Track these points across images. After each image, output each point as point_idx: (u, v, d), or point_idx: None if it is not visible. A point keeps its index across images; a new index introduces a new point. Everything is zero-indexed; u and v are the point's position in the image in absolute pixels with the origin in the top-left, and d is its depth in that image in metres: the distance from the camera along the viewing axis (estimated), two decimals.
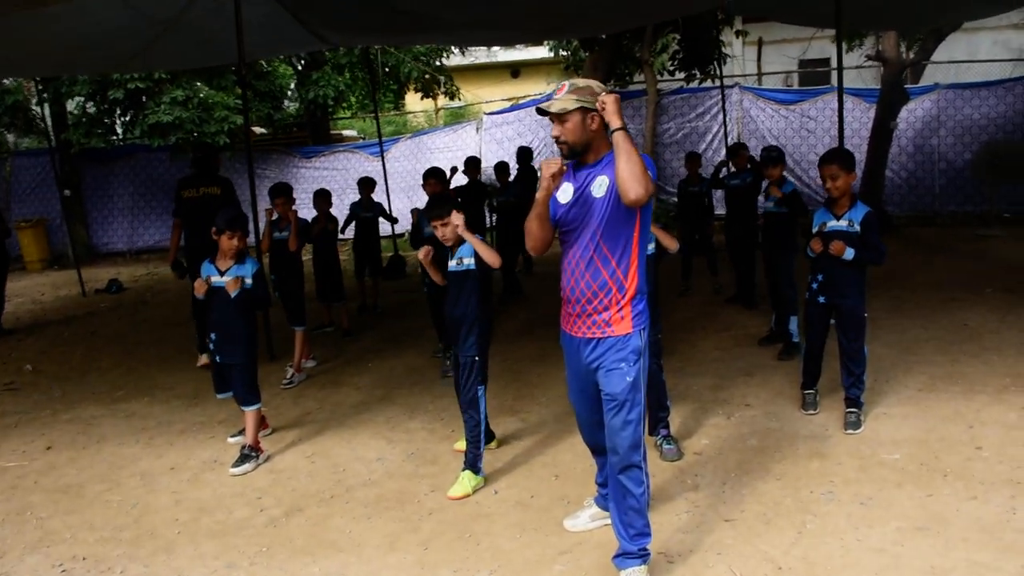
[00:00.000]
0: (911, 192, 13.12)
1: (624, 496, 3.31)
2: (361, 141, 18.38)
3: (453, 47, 17.05)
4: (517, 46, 27.23)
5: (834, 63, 19.66)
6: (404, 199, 14.57)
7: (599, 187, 3.15)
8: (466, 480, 4.31)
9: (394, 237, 12.29)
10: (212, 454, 5.04)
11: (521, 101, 16.61)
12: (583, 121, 3.11)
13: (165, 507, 4.32)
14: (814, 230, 4.89)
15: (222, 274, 4.75)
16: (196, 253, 6.43)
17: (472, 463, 4.37)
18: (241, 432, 5.19)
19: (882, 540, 3.52)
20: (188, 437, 5.38)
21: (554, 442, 4.93)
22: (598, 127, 3.14)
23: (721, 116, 13.93)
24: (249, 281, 4.75)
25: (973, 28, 15.72)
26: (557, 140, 3.19)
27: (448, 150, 15.36)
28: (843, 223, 4.76)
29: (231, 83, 13.61)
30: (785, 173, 6.60)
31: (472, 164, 9.55)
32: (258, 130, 17.11)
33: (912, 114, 12.95)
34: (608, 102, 3.04)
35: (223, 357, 4.83)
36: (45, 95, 12.50)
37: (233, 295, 4.69)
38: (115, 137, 13.93)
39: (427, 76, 16.24)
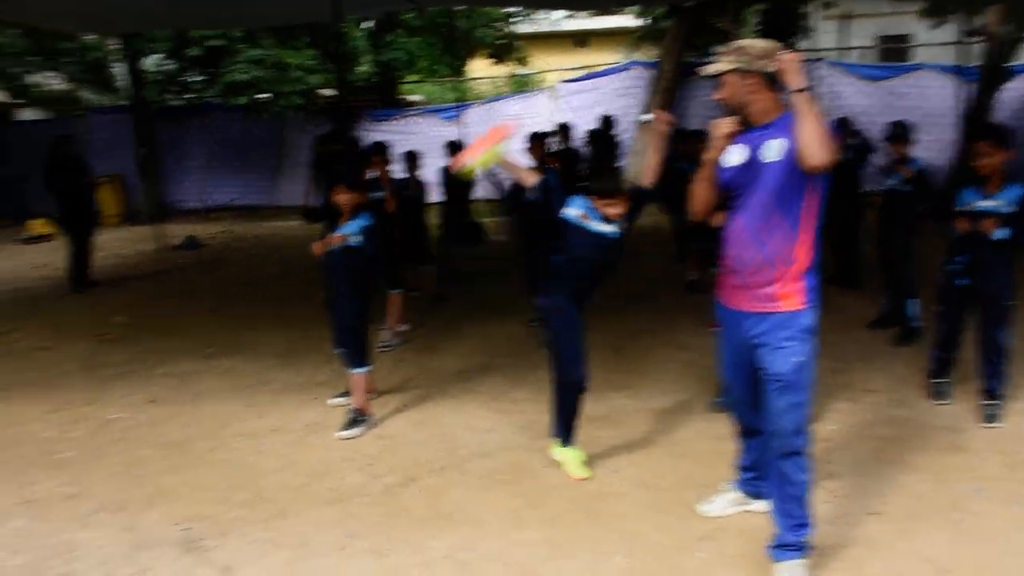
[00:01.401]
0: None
1: (784, 483, 3.12)
2: (428, 106, 18.22)
3: (526, 11, 16.69)
4: (584, 14, 26.83)
5: (918, 39, 19.09)
6: None
7: (771, 150, 2.96)
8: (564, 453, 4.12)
9: (469, 202, 12.08)
10: (315, 416, 4.93)
11: (597, 69, 16.19)
12: (740, 83, 2.95)
13: (274, 470, 4.22)
14: (958, 208, 4.57)
15: (335, 231, 4.63)
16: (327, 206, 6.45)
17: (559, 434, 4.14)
18: (343, 394, 5.08)
19: None
20: (288, 397, 5.28)
21: (670, 420, 4.72)
22: (758, 89, 2.95)
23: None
24: (356, 238, 4.60)
25: None
26: (719, 103, 3.05)
27: (521, 117, 15.07)
28: (995, 202, 4.43)
29: (304, 43, 13.51)
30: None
31: (563, 130, 9.27)
32: (328, 92, 17.05)
33: (1009, 93, 12.29)
34: (787, 61, 2.82)
35: (334, 316, 4.71)
36: (125, 52, 12.50)
37: (335, 248, 4.57)
38: (190, 95, 13.94)
39: (502, 42, 15.94)
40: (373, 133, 15.54)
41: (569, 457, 4.10)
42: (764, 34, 12.88)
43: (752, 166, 3.00)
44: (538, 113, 14.86)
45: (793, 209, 2.97)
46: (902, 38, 19.56)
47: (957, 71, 12.69)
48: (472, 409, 4.99)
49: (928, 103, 12.68)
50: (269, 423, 4.85)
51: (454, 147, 9.02)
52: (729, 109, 3.03)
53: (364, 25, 15.79)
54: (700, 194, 3.22)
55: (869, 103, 13.06)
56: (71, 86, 16.11)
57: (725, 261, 3.21)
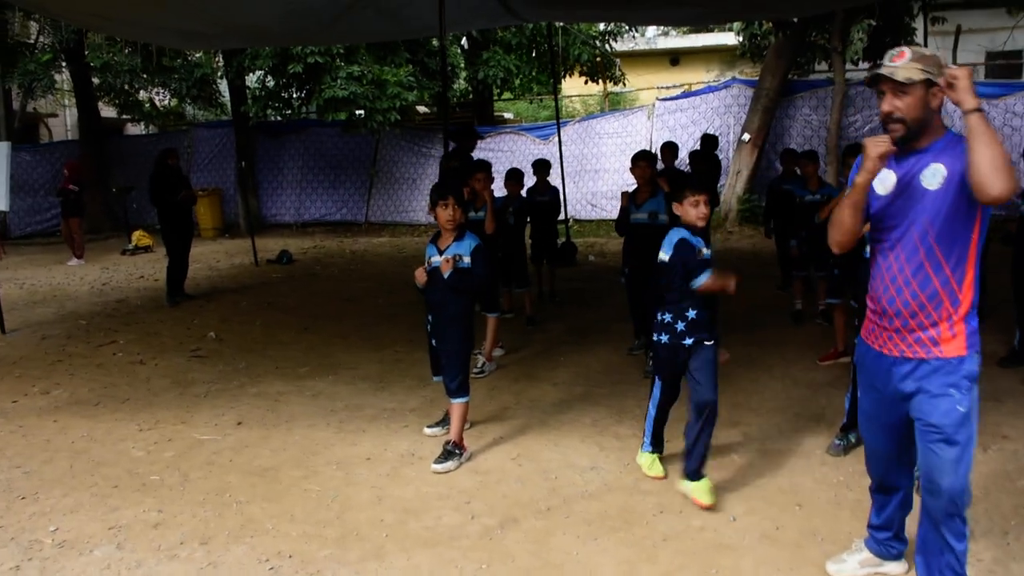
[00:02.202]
0: None
1: (941, 551, 2.75)
2: (522, 123, 18.05)
3: (627, 28, 16.34)
4: (677, 32, 26.35)
5: None
6: (572, 184, 14.06)
7: (932, 177, 2.59)
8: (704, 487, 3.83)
9: (566, 222, 11.80)
10: (408, 446, 4.67)
11: (694, 88, 15.75)
12: (926, 96, 2.56)
13: (367, 504, 3.95)
14: None
15: (441, 253, 4.34)
16: None
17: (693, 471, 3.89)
18: (439, 424, 4.82)
19: None
20: (380, 424, 5.04)
21: (786, 463, 4.29)
22: (939, 105, 2.59)
23: None
24: (467, 259, 4.31)
25: None
26: (888, 117, 2.63)
27: (618, 135, 14.76)
28: None
29: (403, 60, 13.50)
30: None
31: (669, 149, 8.87)
32: (422, 109, 17.08)
33: None
34: (960, 77, 2.44)
35: (438, 341, 4.44)
36: (228, 69, 12.73)
37: (446, 276, 4.27)
38: (289, 111, 14.12)
39: (599, 59, 15.63)
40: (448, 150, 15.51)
41: (700, 487, 3.82)
42: (869, 50, 12.23)
43: (910, 194, 2.64)
44: (636, 131, 14.52)
45: (958, 244, 2.62)
46: (1016, 54, 18.45)
47: None
48: (573, 444, 4.64)
49: None
50: (361, 451, 4.61)
51: (542, 165, 8.74)
52: (906, 126, 2.60)
53: (461, 42, 15.76)
54: (846, 222, 2.78)
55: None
56: (177, 102, 16.58)
57: (873, 301, 2.85)
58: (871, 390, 2.93)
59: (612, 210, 14.52)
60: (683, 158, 12.73)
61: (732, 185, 12.90)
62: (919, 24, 12.20)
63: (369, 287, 9.88)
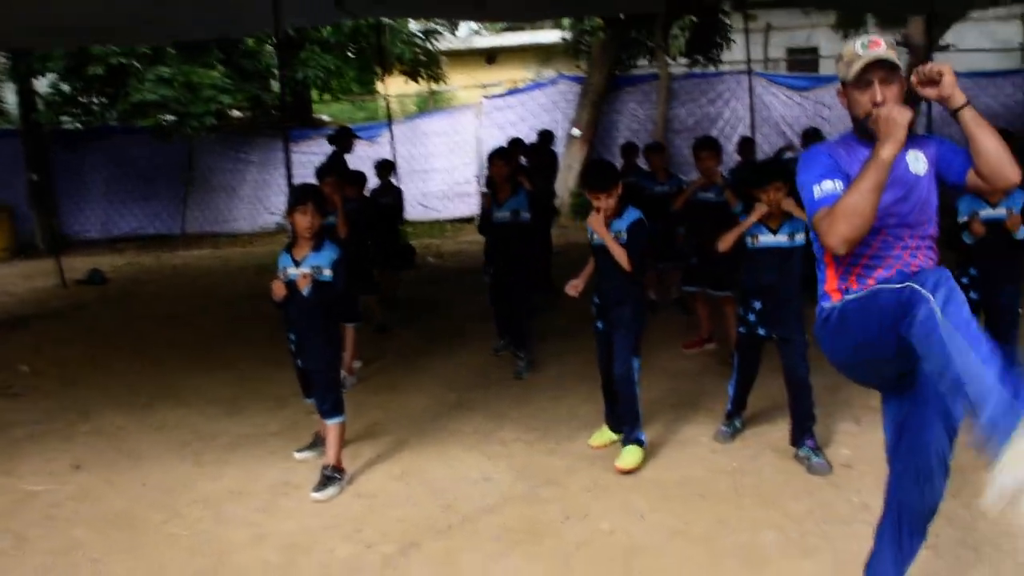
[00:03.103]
0: None
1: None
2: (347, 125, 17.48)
3: (448, 24, 16.22)
4: (492, 31, 26.62)
5: (824, 52, 19.62)
6: (402, 185, 13.75)
7: (916, 163, 2.54)
8: (635, 452, 4.10)
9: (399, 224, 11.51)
10: (279, 474, 4.28)
11: (520, 85, 15.90)
12: (900, 84, 2.47)
13: (246, 544, 3.57)
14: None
15: (298, 264, 3.99)
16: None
17: (633, 436, 4.16)
18: (310, 447, 4.47)
19: None
20: (242, 453, 4.61)
21: (675, 455, 4.33)
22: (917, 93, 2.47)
23: (732, 102, 13.50)
24: (328, 272, 3.99)
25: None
26: (875, 105, 2.43)
27: (446, 134, 14.63)
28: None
29: (215, 61, 12.66)
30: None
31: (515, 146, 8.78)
32: (236, 113, 16.15)
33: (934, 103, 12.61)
34: (947, 73, 2.34)
35: (304, 361, 4.10)
36: (15, 71, 11.40)
37: (305, 292, 3.93)
38: (89, 118, 12.87)
39: (422, 58, 15.43)
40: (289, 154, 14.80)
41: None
42: (692, 47, 12.85)
43: (902, 182, 2.51)
44: (464, 130, 14.45)
45: (932, 229, 2.59)
46: (812, 50, 20.11)
47: None
48: (458, 455, 4.44)
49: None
50: (226, 486, 4.18)
51: (385, 166, 8.50)
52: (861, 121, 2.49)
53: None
54: (866, 210, 2.34)
55: (796, 114, 13.19)
56: None
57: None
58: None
59: (443, 210, 14.42)
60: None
61: (564, 180, 13.11)
62: (735, 22, 12.99)
63: (199, 303, 9.17)
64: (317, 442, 4.43)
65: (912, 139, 2.49)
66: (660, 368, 5.74)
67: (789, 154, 8.13)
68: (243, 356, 6.57)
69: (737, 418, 4.49)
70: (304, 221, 3.94)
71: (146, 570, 3.39)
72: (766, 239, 4.21)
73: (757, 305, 4.23)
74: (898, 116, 2.32)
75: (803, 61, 19.84)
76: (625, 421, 4.19)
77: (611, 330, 4.21)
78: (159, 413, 5.35)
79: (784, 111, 13.29)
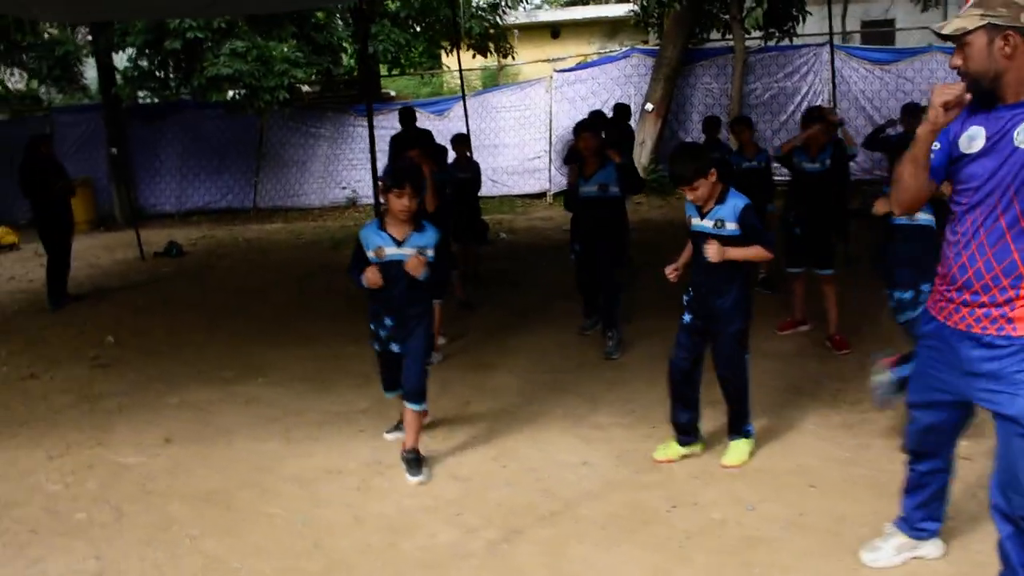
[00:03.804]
0: None
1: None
2: (414, 100, 17.39)
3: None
4: (555, 5, 26.25)
5: (901, 24, 18.80)
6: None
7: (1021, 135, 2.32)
8: (741, 446, 3.83)
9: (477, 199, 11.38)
10: (371, 453, 4.18)
11: (591, 58, 15.56)
12: (990, 44, 2.29)
13: (345, 526, 3.47)
14: None
15: (399, 245, 3.80)
16: None
17: (741, 428, 3.86)
18: (400, 427, 4.35)
19: None
20: (332, 431, 4.52)
21: (782, 442, 4.10)
22: (1018, 52, 2.28)
23: (809, 76, 12.97)
24: (431, 253, 3.83)
25: None
26: (959, 72, 2.38)
27: (516, 109, 14.35)
28: None
29: (288, 34, 12.63)
30: None
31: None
32: (305, 88, 16.18)
33: None
34: None
35: (403, 346, 3.87)
36: (96, 46, 11.53)
37: (422, 276, 3.75)
38: (167, 92, 12.98)
39: (491, 31, 15.21)
40: (358, 128, 14.76)
41: None
42: (768, 19, 12.34)
43: (999, 152, 2.37)
44: (535, 104, 14.19)
45: None
46: (889, 23, 19.32)
47: None
48: (553, 438, 4.28)
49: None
50: (319, 463, 4.10)
51: (462, 140, 8.35)
52: (972, 79, 2.37)
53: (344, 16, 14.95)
54: (905, 179, 2.53)
55: (877, 88, 12.59)
56: (37, 83, 15.02)
57: (943, 267, 2.60)
58: (933, 361, 2.70)
59: (513, 186, 14.20)
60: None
61: (637, 156, 12.78)
62: None
63: (275, 277, 9.17)
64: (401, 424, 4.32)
65: None
66: (754, 348, 5.48)
67: (890, 130, 7.68)
68: (323, 332, 6.50)
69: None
70: (400, 203, 3.70)
71: (244, 550, 3.31)
72: (922, 216, 3.95)
73: (925, 287, 3.90)
74: (936, 96, 2.35)
75: (880, 34, 19.07)
76: (734, 415, 3.88)
77: (708, 325, 3.78)
78: (246, 388, 5.31)
79: (864, 85, 12.68)
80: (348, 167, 14.76)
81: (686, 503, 3.52)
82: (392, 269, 3.75)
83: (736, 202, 3.67)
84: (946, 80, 10.47)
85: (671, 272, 3.82)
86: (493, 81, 20.28)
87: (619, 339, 5.60)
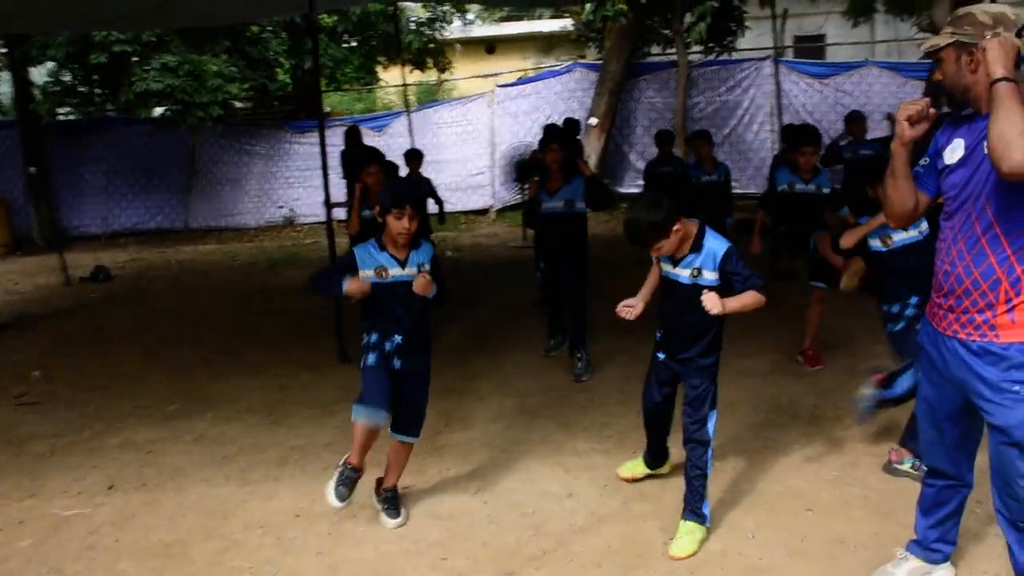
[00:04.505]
0: None
1: None
2: (348, 116, 17.02)
3: (458, 13, 15.79)
4: (490, 20, 26.24)
5: (831, 39, 19.29)
6: None
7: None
8: (694, 533, 3.26)
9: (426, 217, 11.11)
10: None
11: (529, 74, 15.46)
12: (958, 60, 2.42)
13: None
14: None
15: (403, 264, 3.52)
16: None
17: (696, 508, 3.30)
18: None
19: None
20: (295, 469, 4.19)
21: (770, 464, 3.96)
22: (981, 68, 2.36)
23: (751, 90, 13.14)
24: (428, 268, 3.58)
25: None
26: (938, 86, 2.55)
27: (458, 124, 14.18)
28: None
29: (222, 49, 12.18)
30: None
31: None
32: (239, 104, 15.68)
33: None
34: (989, 46, 2.28)
35: (408, 365, 3.56)
36: (9, 60, 10.89)
37: (432, 294, 3.49)
38: (90, 108, 12.35)
39: (431, 46, 15.00)
40: (295, 145, 14.35)
41: None
42: (711, 34, 12.44)
43: (973, 162, 2.44)
44: (477, 119, 14.02)
45: (1018, 218, 2.36)
46: (819, 38, 19.81)
47: (901, 67, 12.68)
48: (532, 468, 4.05)
49: (872, 100, 12.53)
50: (284, 506, 3.77)
51: (415, 156, 8.18)
52: (947, 94, 2.50)
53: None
54: (889, 193, 2.63)
55: (817, 101, 12.82)
56: None
57: (934, 276, 2.62)
58: (931, 373, 2.69)
59: (456, 202, 13.95)
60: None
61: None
62: (750, 8, 12.61)
63: (213, 301, 8.73)
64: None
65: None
66: (725, 367, 5.35)
67: (843, 143, 7.75)
68: (271, 359, 6.14)
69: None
70: (401, 225, 3.42)
71: None
72: (899, 237, 3.86)
73: (915, 300, 3.84)
74: (900, 111, 2.50)
75: (811, 49, 19.53)
76: (688, 489, 3.31)
77: (679, 369, 3.43)
78: (192, 423, 4.92)
79: (804, 99, 12.91)
80: (284, 185, 14.33)
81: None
82: (398, 289, 3.50)
83: (715, 248, 3.22)
84: (881, 91, 10.75)
85: (624, 310, 3.45)
86: (429, 97, 20.03)
87: (588, 360, 5.40)
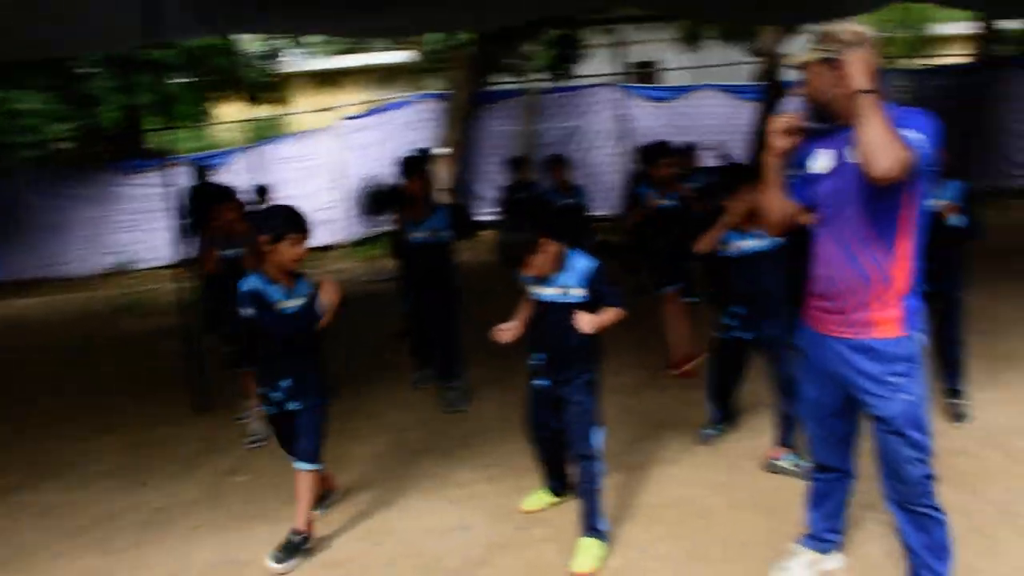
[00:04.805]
0: None
1: (926, 528, 2.67)
2: (188, 154, 16.24)
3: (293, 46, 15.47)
4: (327, 53, 25.96)
5: (665, 65, 20.37)
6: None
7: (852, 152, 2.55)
8: (592, 548, 3.29)
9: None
10: (215, 552, 3.61)
11: (378, 104, 15.28)
12: (824, 74, 2.56)
13: None
14: None
15: (291, 296, 3.45)
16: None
17: (593, 524, 3.35)
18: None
19: None
20: (162, 532, 3.87)
21: (654, 475, 4.05)
22: (844, 81, 2.52)
23: (595, 115, 13.61)
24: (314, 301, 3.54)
25: None
26: (806, 99, 2.67)
27: (300, 159, 13.84)
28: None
29: (42, 85, 11.32)
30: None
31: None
32: (63, 145, 14.63)
33: (789, 106, 13.20)
34: (852, 61, 2.47)
35: (303, 400, 3.53)
36: None
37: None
38: None
39: (271, 80, 14.58)
40: (125, 188, 13.52)
41: None
42: (557, 60, 12.86)
43: (840, 171, 2.60)
44: (321, 154, 13.74)
45: (887, 221, 2.55)
46: (649, 64, 20.85)
47: (734, 89, 13.55)
48: (420, 504, 3.95)
49: (709, 121, 13.32)
50: (155, 574, 3.47)
51: (265, 192, 7.92)
52: (813, 107, 2.65)
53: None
54: (766, 204, 2.81)
55: (658, 124, 13.41)
56: None
57: (812, 282, 2.75)
58: (814, 374, 2.82)
59: None
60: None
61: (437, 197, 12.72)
62: (592, 36, 13.09)
63: (48, 359, 8.03)
64: (326, 495, 3.95)
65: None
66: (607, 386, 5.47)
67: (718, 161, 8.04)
68: (123, 416, 5.70)
69: (722, 423, 4.37)
70: (295, 252, 3.39)
71: None
72: (742, 243, 4.04)
73: (741, 311, 4.05)
74: (771, 124, 2.67)
75: (644, 74, 20.56)
76: (583, 506, 3.36)
77: (559, 393, 3.44)
78: (38, 495, 4.46)
79: (647, 122, 13.50)
80: (116, 230, 13.46)
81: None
82: (288, 323, 3.42)
83: (582, 265, 3.33)
84: (718, 112, 11.36)
85: (500, 333, 3.47)
86: (268, 133, 19.46)
87: (463, 389, 5.35)
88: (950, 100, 11.83)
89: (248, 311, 3.40)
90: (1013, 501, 3.45)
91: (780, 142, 2.66)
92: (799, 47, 2.79)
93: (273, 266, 3.41)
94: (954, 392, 4.41)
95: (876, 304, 2.57)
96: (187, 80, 14.07)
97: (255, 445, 4.83)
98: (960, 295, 4.40)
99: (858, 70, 2.45)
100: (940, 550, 2.64)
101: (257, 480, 4.38)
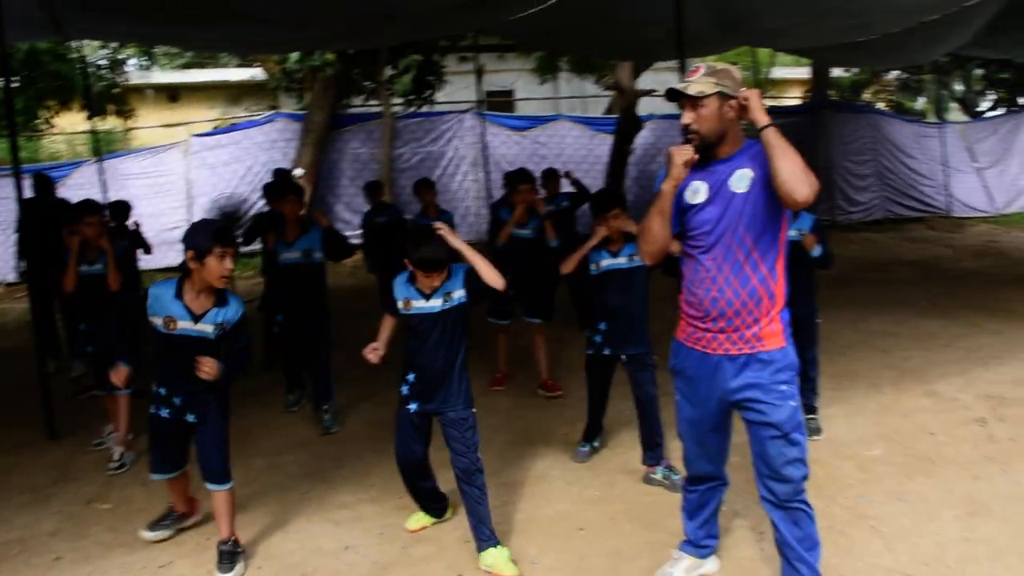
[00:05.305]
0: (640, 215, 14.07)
1: (798, 523, 2.87)
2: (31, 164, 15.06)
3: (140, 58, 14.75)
4: (174, 67, 24.98)
5: (520, 94, 20.94)
6: None
7: (740, 181, 2.76)
8: (504, 554, 3.42)
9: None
10: (137, 562, 3.43)
11: (232, 122, 14.83)
12: (720, 109, 2.72)
13: None
14: None
15: (197, 320, 3.33)
16: None
17: (493, 533, 3.47)
18: (162, 523, 3.79)
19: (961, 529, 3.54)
20: (17, 565, 3.61)
21: (533, 491, 4.20)
22: (735, 117, 2.75)
23: (454, 141, 13.80)
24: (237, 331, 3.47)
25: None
26: (687, 129, 2.77)
27: (148, 176, 13.19)
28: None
29: None
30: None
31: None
32: None
33: (641, 141, 13.81)
34: (751, 97, 2.67)
35: (199, 416, 3.43)
36: None
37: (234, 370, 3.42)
38: None
39: (117, 91, 13.83)
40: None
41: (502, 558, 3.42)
42: (416, 84, 12.94)
43: (722, 199, 2.78)
44: (170, 171, 13.16)
45: (770, 242, 2.79)
46: (508, 92, 21.37)
47: (589, 122, 14.13)
48: (303, 527, 3.90)
49: (565, 151, 13.82)
50: None
51: (122, 208, 7.60)
52: (702, 137, 2.75)
53: None
54: (654, 230, 2.85)
55: (516, 152, 13.76)
56: None
57: (692, 305, 2.91)
58: (694, 393, 2.97)
59: (150, 259, 12.93)
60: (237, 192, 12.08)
61: None
62: (449, 63, 13.27)
63: None
64: (170, 515, 3.82)
65: (745, 157, 2.77)
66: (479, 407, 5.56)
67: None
68: None
69: (595, 439, 4.53)
70: (224, 267, 3.27)
71: None
72: (608, 262, 4.26)
73: (603, 326, 4.26)
74: (676, 156, 2.73)
75: (502, 103, 21.05)
76: (478, 520, 3.48)
77: (434, 413, 3.55)
78: None
79: (504, 150, 13.81)
80: None
81: (469, 568, 3.41)
82: (185, 344, 3.32)
83: (457, 268, 3.49)
84: (573, 143, 11.71)
85: (370, 353, 3.50)
86: (110, 147, 18.38)
87: (335, 411, 5.31)
88: (788, 138, 12.83)
89: (155, 321, 3.33)
90: (864, 505, 3.81)
91: (681, 173, 2.75)
92: (673, 82, 2.86)
93: (197, 284, 3.29)
94: (810, 408, 4.74)
95: (764, 320, 2.77)
96: (19, 85, 13.09)
97: (118, 471, 4.60)
98: (816, 319, 4.80)
99: (757, 105, 2.64)
100: (811, 542, 2.86)
101: (122, 507, 4.17)
